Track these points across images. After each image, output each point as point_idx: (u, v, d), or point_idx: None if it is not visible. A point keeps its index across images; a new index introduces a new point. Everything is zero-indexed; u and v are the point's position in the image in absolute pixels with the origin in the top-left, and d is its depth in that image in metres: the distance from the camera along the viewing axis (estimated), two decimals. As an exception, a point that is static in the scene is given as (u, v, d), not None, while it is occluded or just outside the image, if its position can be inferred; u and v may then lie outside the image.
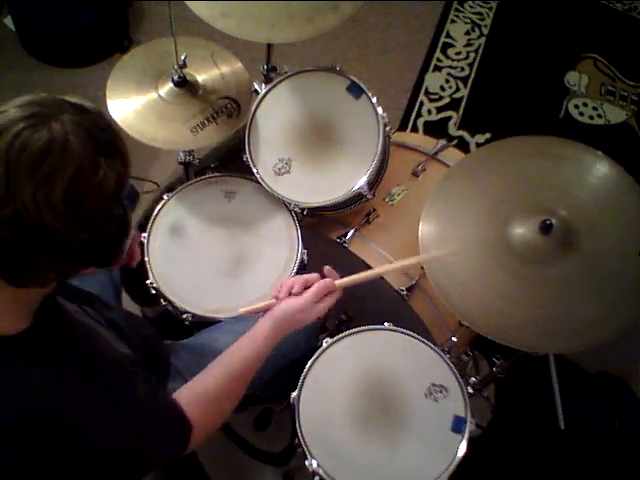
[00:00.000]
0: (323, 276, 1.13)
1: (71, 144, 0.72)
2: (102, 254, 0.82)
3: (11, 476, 0.82)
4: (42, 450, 0.81)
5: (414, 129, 2.45)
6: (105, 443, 0.86)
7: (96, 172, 0.74)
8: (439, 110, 2.51)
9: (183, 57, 1.44)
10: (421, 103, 2.53)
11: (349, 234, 1.51)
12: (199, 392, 1.03)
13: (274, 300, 1.12)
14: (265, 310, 1.13)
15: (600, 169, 1.26)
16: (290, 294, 1.11)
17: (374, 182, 1.50)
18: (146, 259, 1.42)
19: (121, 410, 0.88)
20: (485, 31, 2.77)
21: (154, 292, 1.42)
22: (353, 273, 1.54)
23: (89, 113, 0.77)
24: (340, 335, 1.34)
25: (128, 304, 1.72)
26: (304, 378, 1.29)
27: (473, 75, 2.63)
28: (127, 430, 0.89)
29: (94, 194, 0.74)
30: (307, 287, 1.11)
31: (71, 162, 0.72)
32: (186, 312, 1.39)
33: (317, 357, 1.31)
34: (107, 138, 0.77)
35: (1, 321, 0.79)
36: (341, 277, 1.15)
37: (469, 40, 2.73)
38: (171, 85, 1.47)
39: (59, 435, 0.81)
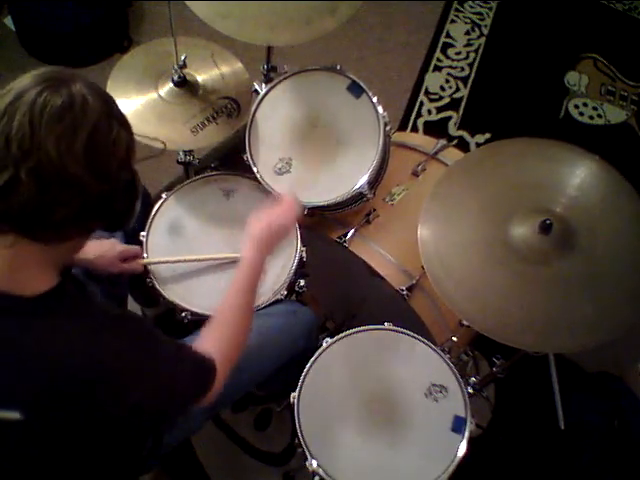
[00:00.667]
0: None
1: (90, 102, 0.79)
2: (115, 214, 0.88)
3: (52, 420, 0.86)
4: (83, 399, 0.85)
5: (414, 129, 2.45)
6: (138, 389, 0.90)
7: (111, 131, 0.81)
8: (439, 110, 2.51)
9: (183, 57, 1.44)
10: (421, 103, 2.53)
11: (349, 234, 1.51)
12: (214, 333, 1.09)
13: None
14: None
15: (595, 172, 1.27)
16: None
17: (374, 182, 1.50)
18: (145, 257, 1.42)
19: (151, 356, 0.92)
20: (485, 31, 2.77)
21: (153, 291, 1.42)
22: (353, 273, 1.55)
23: (96, 85, 0.83)
24: (340, 335, 1.34)
25: (129, 304, 1.72)
26: (304, 378, 1.28)
27: (473, 75, 2.63)
28: (158, 375, 0.93)
29: (110, 150, 0.82)
30: None
31: (90, 118, 0.79)
32: (185, 310, 1.39)
33: (317, 357, 1.31)
34: (119, 110, 0.86)
35: (31, 280, 0.84)
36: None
37: (469, 40, 2.73)
38: (171, 85, 1.47)
39: (97, 383, 0.85)
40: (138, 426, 1.02)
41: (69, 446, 0.90)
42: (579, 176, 1.27)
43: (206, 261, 1.44)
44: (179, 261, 1.42)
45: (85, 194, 0.80)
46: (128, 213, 0.91)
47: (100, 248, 1.30)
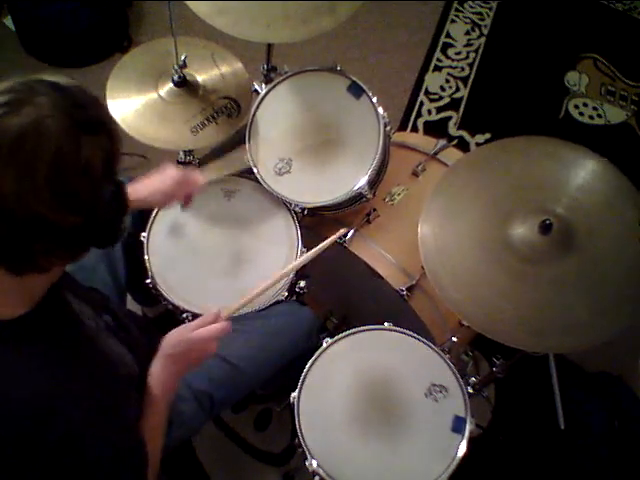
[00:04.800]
0: None
1: (46, 126, 0.69)
2: (100, 235, 0.79)
3: None
4: (22, 439, 0.78)
5: (414, 129, 2.45)
6: (80, 445, 0.81)
7: (78, 152, 0.70)
8: (439, 110, 2.51)
9: (183, 57, 1.44)
10: (421, 103, 2.53)
11: (349, 234, 1.51)
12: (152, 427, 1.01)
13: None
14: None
15: (600, 173, 1.26)
16: None
17: (374, 182, 1.50)
18: (146, 258, 1.42)
19: (103, 418, 0.84)
20: (485, 31, 2.77)
21: (154, 292, 1.42)
22: (353, 273, 1.55)
23: (66, 91, 0.73)
24: (340, 335, 1.34)
25: (129, 304, 1.72)
26: (304, 378, 1.28)
27: (473, 75, 2.63)
28: (102, 439, 0.84)
29: (80, 175, 0.71)
30: None
31: (49, 145, 0.68)
32: (186, 311, 1.39)
33: (317, 357, 1.31)
34: (88, 115, 0.73)
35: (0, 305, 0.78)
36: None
37: (469, 40, 2.73)
38: (171, 85, 1.47)
39: (38, 424, 0.78)
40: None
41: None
42: (583, 177, 1.26)
43: (210, 264, 1.44)
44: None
45: (57, 229, 0.72)
46: (116, 231, 0.81)
47: (152, 184, 1.22)
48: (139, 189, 1.24)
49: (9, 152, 0.67)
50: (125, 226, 0.83)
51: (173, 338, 1.06)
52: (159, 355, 1.05)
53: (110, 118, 0.78)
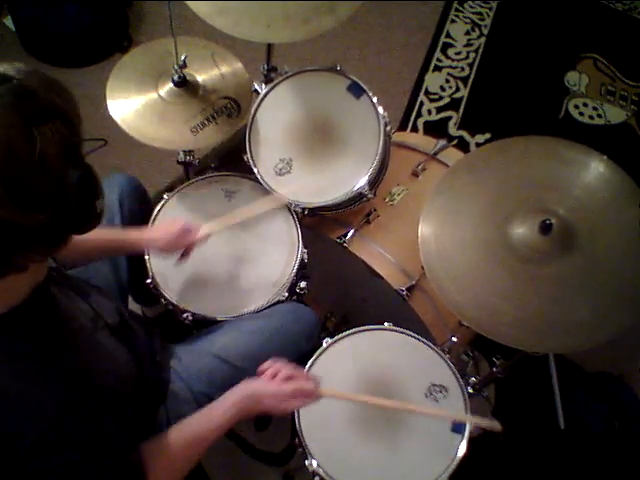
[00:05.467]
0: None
1: None
2: (75, 222, 0.76)
3: None
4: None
5: (414, 129, 2.45)
6: (47, 448, 0.79)
7: (32, 146, 0.67)
8: (439, 110, 2.51)
9: (183, 57, 1.44)
10: (421, 103, 2.53)
11: (349, 234, 1.51)
12: (161, 450, 0.99)
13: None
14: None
15: (602, 172, 1.26)
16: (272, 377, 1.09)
17: (375, 182, 1.50)
18: (146, 258, 1.42)
19: (75, 422, 0.81)
20: (485, 31, 2.77)
21: (154, 291, 1.42)
22: (353, 273, 1.55)
23: (11, 82, 0.69)
24: (340, 335, 1.34)
25: (129, 303, 1.72)
26: (304, 378, 1.28)
27: (473, 75, 2.63)
28: (71, 445, 0.81)
29: (36, 170, 0.67)
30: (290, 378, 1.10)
31: None
32: (186, 311, 1.39)
33: (317, 357, 1.31)
34: (37, 104, 0.69)
35: None
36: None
37: (469, 40, 2.73)
38: (171, 85, 1.47)
39: (8, 422, 0.77)
40: None
41: None
42: (584, 176, 1.26)
43: (210, 264, 1.44)
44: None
45: (26, 230, 0.69)
46: (91, 215, 0.77)
47: (162, 230, 1.32)
48: (152, 231, 1.37)
49: None
50: (101, 208, 0.79)
51: (259, 392, 1.07)
52: (240, 388, 1.06)
53: (67, 100, 0.73)
